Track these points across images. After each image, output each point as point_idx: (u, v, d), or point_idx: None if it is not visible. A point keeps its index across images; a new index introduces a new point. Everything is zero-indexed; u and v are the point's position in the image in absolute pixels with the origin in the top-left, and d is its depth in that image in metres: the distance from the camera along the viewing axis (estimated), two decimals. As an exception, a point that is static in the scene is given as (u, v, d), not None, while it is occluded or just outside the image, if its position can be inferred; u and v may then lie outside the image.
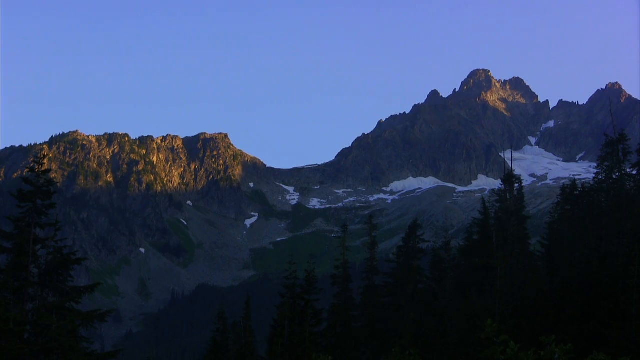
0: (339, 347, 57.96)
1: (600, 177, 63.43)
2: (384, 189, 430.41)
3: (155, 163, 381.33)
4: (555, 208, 70.07)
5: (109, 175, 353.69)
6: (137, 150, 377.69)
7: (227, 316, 68.30)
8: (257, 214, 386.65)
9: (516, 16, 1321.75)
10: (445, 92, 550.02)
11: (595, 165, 65.52)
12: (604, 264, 48.29)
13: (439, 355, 50.11)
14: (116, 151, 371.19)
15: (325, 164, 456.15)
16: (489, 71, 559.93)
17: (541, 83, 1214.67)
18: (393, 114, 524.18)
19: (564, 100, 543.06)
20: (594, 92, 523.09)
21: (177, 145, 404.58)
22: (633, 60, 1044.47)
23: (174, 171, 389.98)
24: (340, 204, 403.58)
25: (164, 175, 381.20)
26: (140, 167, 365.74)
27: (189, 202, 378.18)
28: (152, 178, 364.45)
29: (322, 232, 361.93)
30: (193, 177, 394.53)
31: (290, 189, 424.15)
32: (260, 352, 69.59)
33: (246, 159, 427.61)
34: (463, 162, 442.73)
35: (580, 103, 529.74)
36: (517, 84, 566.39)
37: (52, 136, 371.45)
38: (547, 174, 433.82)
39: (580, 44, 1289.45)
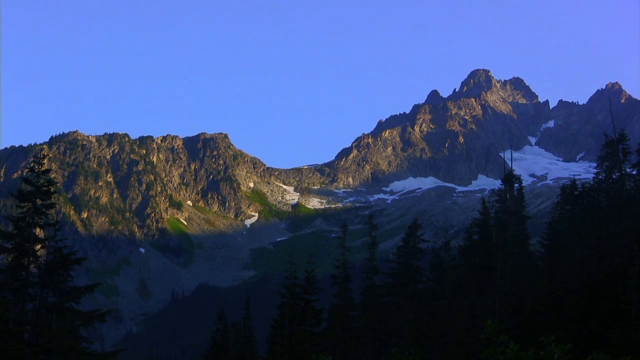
0: (339, 347, 57.95)
1: (600, 177, 63.32)
2: (384, 189, 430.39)
3: (155, 163, 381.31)
4: (555, 208, 69.89)
5: (109, 175, 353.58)
6: (137, 150, 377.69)
7: (227, 316, 68.24)
8: (257, 214, 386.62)
9: (516, 16, 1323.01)
10: (445, 92, 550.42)
11: (595, 165, 65.46)
12: (604, 264, 48.30)
13: (439, 355, 50.12)
14: (116, 151, 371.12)
15: (325, 164, 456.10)
16: (489, 71, 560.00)
17: (541, 83, 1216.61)
18: (393, 114, 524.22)
19: (564, 100, 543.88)
20: (594, 92, 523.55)
21: (177, 145, 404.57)
22: (633, 60, 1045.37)
23: (174, 171, 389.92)
24: (340, 204, 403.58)
25: (164, 175, 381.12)
26: (140, 167, 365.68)
27: (189, 202, 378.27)
28: (152, 178, 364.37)
29: (322, 232, 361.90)
30: (193, 177, 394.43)
31: (290, 189, 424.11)
32: (260, 352, 69.57)
33: (246, 159, 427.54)
34: (463, 162, 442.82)
35: (580, 103, 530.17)
36: (517, 84, 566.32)
37: (52, 136, 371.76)
38: (547, 174, 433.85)
39: (580, 44, 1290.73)
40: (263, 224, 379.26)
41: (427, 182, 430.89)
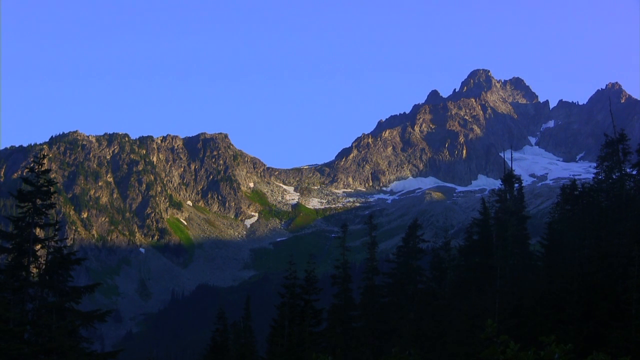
0: (339, 347, 57.95)
1: (600, 177, 63.46)
2: (384, 189, 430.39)
3: (155, 163, 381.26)
4: (555, 208, 69.95)
5: (109, 175, 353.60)
6: (137, 150, 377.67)
7: (227, 316, 68.28)
8: (257, 214, 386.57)
9: (516, 16, 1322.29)
10: (445, 92, 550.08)
11: (595, 165, 65.54)
12: (604, 264, 48.31)
13: (439, 355, 50.13)
14: (116, 151, 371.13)
15: (325, 164, 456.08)
16: (489, 71, 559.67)
17: (541, 83, 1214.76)
18: (393, 114, 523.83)
19: (564, 100, 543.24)
20: (594, 92, 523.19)
21: (177, 145, 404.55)
22: (633, 60, 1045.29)
23: (174, 171, 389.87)
24: (340, 204, 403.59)
25: (164, 175, 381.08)
26: (140, 167, 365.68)
27: (189, 202, 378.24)
28: (152, 178, 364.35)
29: (322, 232, 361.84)
30: (193, 177, 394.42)
31: (290, 189, 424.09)
32: (260, 352, 69.62)
33: (246, 159, 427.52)
34: (463, 162, 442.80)
35: (580, 103, 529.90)
36: (517, 84, 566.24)
37: (52, 136, 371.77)
38: (547, 174, 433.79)
39: (580, 44, 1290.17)
40: (263, 224, 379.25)
41: (427, 182, 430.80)
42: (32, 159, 41.16)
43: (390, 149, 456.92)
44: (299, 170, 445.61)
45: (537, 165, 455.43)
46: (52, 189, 36.99)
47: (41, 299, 36.07)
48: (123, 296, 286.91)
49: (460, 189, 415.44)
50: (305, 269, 56.62)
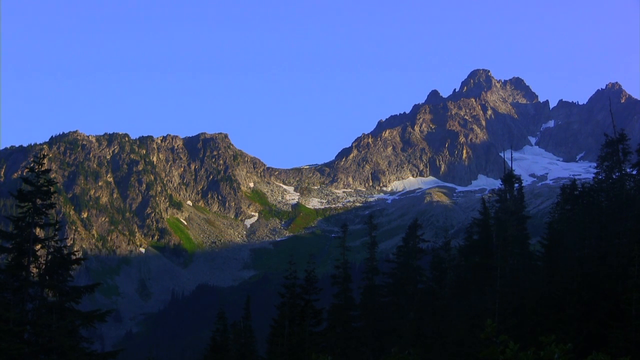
0: (339, 347, 57.95)
1: (600, 177, 63.46)
2: (384, 189, 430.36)
3: (155, 163, 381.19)
4: (555, 208, 69.93)
5: (109, 175, 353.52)
6: (137, 150, 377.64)
7: (227, 316, 68.25)
8: (257, 214, 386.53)
9: (516, 16, 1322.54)
10: (445, 92, 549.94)
11: (595, 165, 65.55)
12: (604, 264, 48.35)
13: (439, 355, 50.15)
14: (116, 151, 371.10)
15: (325, 164, 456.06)
16: (489, 71, 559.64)
17: (541, 83, 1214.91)
18: (393, 114, 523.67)
19: (564, 100, 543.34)
20: (594, 92, 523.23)
21: (177, 145, 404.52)
22: (633, 60, 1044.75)
23: (174, 171, 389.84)
24: (340, 204, 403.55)
25: (164, 175, 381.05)
26: (140, 167, 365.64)
27: (189, 202, 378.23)
28: (152, 178, 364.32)
29: (322, 232, 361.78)
30: (193, 177, 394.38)
31: (290, 189, 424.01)
32: (260, 352, 69.63)
33: (246, 159, 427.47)
34: (463, 162, 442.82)
35: (580, 103, 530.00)
36: (517, 84, 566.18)
37: (52, 136, 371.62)
38: (547, 174, 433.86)
39: (580, 44, 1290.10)
40: (263, 224, 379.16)
41: (427, 182, 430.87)
42: (32, 159, 41.14)
43: (390, 149, 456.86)
44: (299, 170, 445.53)
45: (537, 165, 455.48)
46: (52, 189, 37.01)
47: (41, 299, 36.08)
48: (123, 296, 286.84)
49: (460, 189, 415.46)
50: (305, 269, 56.65)
